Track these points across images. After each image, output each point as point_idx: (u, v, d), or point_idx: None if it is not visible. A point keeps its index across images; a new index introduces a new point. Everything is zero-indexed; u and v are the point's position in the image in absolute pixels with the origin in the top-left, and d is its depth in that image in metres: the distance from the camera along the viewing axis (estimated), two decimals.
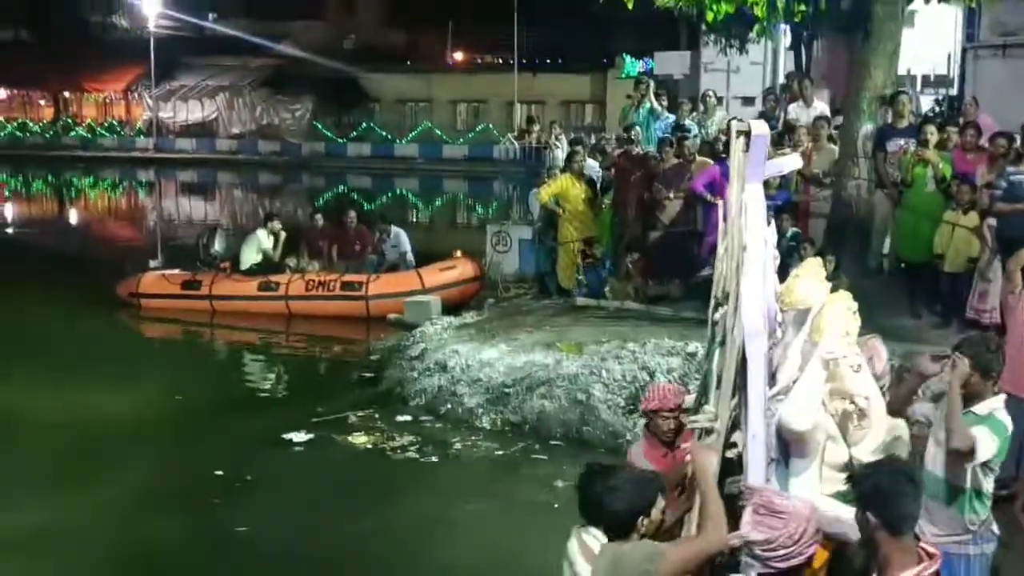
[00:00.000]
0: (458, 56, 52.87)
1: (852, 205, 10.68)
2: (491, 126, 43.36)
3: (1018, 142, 9.50)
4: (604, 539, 3.86)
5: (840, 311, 4.36)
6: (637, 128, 12.95)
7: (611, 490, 3.82)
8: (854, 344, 4.33)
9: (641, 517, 3.78)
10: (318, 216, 15.75)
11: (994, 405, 4.69)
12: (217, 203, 36.18)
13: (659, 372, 9.23)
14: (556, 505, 7.56)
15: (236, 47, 48.01)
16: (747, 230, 4.31)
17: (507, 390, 9.60)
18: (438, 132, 45.99)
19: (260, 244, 14.66)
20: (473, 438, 9.32)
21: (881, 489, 3.34)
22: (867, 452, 4.25)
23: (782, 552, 3.53)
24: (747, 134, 4.37)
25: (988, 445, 4.57)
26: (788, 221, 10.33)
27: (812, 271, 4.67)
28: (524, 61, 43.90)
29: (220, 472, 8.61)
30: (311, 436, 9.38)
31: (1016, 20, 19.89)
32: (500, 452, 9.05)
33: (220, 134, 48.98)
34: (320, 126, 47.40)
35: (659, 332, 10.12)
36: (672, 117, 13.67)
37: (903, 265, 10.32)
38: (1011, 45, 19.73)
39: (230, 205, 35.39)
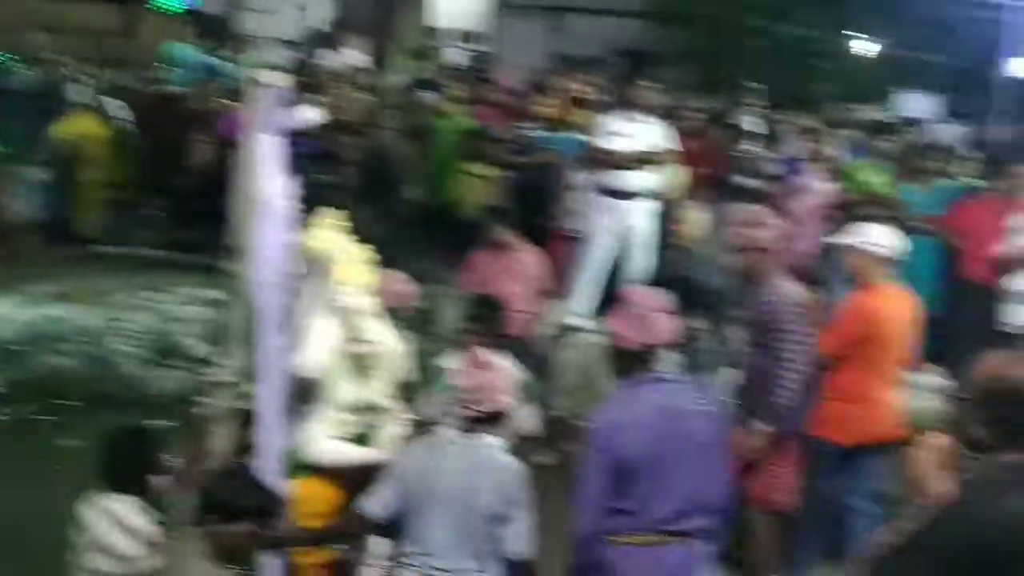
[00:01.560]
0: None
1: (382, 153, 10.98)
2: (2, 55, 39.18)
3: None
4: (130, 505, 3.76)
5: (355, 260, 4.49)
6: (167, 66, 12.36)
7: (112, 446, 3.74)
8: (368, 291, 4.48)
9: (145, 470, 3.72)
10: None
11: None
12: None
13: (187, 322, 8.98)
14: (68, 470, 7.06)
15: None
16: (261, 181, 4.30)
17: (16, 348, 8.81)
18: None
19: None
20: None
21: None
22: (379, 393, 4.46)
23: (484, 397, 3.67)
24: (261, 84, 4.33)
25: None
26: (318, 168, 10.40)
27: (329, 222, 4.76)
28: None
29: None
30: None
31: None
32: (6, 417, 8.29)
33: None
34: None
35: (188, 281, 9.78)
36: (207, 58, 13.18)
37: (428, 211, 10.83)
38: (533, 7, 21.32)
39: None
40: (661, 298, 3.74)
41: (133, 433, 3.99)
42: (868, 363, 5.20)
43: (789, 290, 5.01)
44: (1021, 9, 17.38)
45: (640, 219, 8.05)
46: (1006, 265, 7.11)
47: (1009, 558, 2.62)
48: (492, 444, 3.69)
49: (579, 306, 8.01)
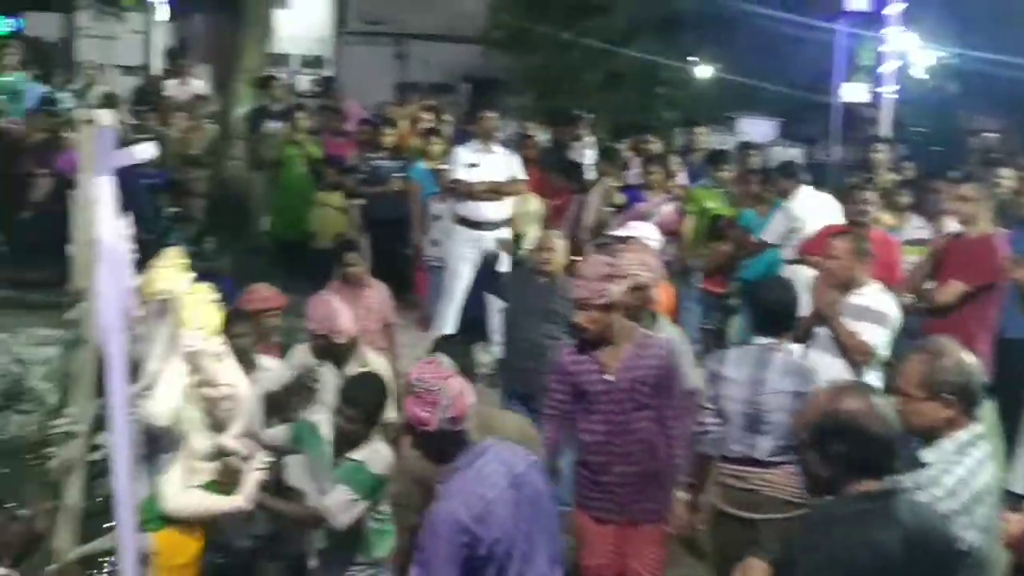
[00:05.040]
0: None
1: (230, 185, 10.84)
2: None
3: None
4: None
5: (200, 302, 4.45)
6: (1, 96, 11.89)
7: None
8: (215, 334, 4.45)
9: None
10: None
11: None
12: None
13: (33, 364, 8.65)
14: None
15: None
16: (98, 223, 4.22)
17: None
18: None
19: None
20: None
21: None
22: (233, 438, 4.43)
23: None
24: (94, 122, 4.26)
25: None
26: (166, 201, 10.23)
27: (172, 261, 4.70)
28: None
29: None
30: None
31: (379, 9, 21.62)
32: None
33: None
34: None
35: (33, 320, 9.41)
36: (43, 87, 12.74)
37: (281, 242, 10.74)
38: (375, 33, 21.36)
39: None
40: (443, 366, 3.43)
41: None
42: None
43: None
44: (853, 35, 18.37)
45: (495, 247, 8.23)
46: None
47: None
48: None
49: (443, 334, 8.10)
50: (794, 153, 14.49)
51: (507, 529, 3.21)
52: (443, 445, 3.29)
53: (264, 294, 5.60)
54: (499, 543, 3.19)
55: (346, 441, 4.16)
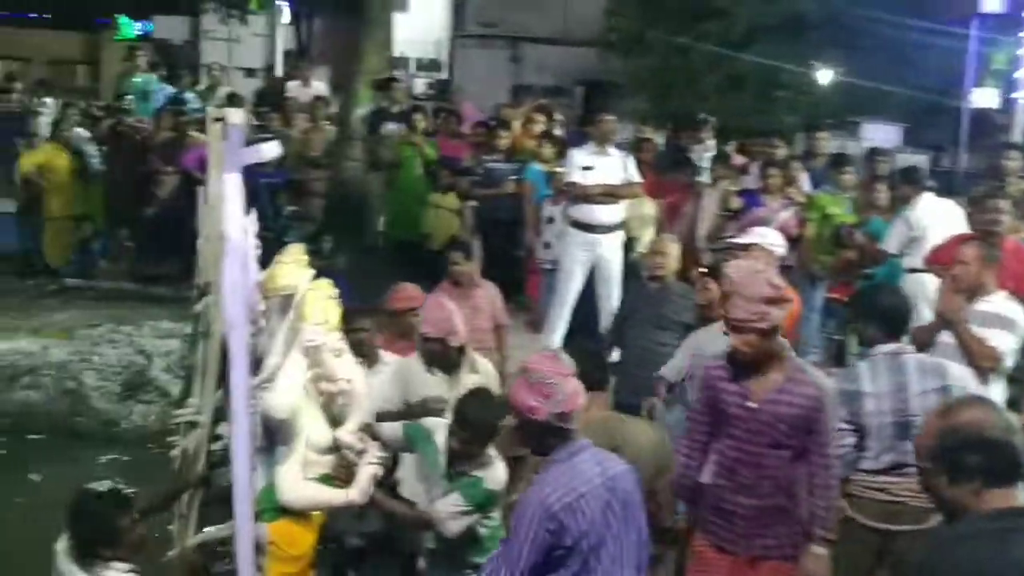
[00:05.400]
0: None
1: (348, 185, 11.02)
2: None
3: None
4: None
5: (321, 298, 4.50)
6: (131, 97, 12.35)
7: (73, 516, 3.69)
8: (335, 330, 4.50)
9: (104, 543, 3.67)
10: None
11: None
12: None
13: (157, 355, 8.96)
14: (35, 504, 7.03)
15: None
16: (226, 219, 4.30)
17: None
18: None
19: None
20: None
21: None
22: (349, 432, 4.47)
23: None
24: (222, 120, 4.35)
25: None
26: (285, 200, 10.47)
27: (294, 258, 4.78)
28: (6, 12, 39.83)
29: None
30: None
31: (495, 13, 21.74)
32: None
33: None
34: None
35: (157, 313, 9.78)
36: (171, 88, 13.19)
37: (396, 243, 10.87)
38: (491, 36, 21.50)
39: None
40: (563, 362, 3.43)
41: (97, 498, 3.82)
42: None
43: None
44: (985, 38, 17.69)
45: (609, 251, 8.16)
46: None
47: None
48: None
49: (553, 337, 8.08)
50: (918, 159, 13.99)
51: (596, 525, 3.25)
52: (545, 437, 3.34)
53: (411, 293, 5.67)
54: (586, 537, 3.23)
55: (460, 456, 4.13)
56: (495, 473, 4.15)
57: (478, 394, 4.28)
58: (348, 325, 4.93)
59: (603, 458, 3.40)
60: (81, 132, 12.17)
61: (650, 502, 3.99)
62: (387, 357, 5.26)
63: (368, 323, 5.23)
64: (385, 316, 5.40)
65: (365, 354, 5.06)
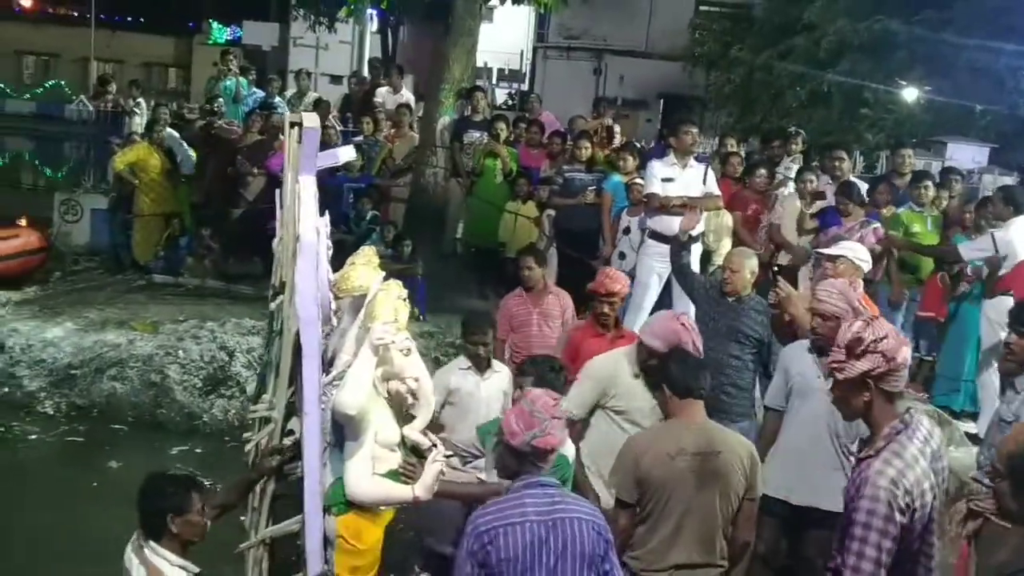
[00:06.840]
0: (26, 3, 48.25)
1: (429, 191, 11.16)
2: (63, 83, 40.14)
3: (569, 140, 10.44)
4: (166, 556, 3.79)
5: (391, 298, 4.57)
6: (221, 100, 12.66)
7: (142, 492, 3.80)
8: (403, 329, 4.56)
9: (171, 516, 3.77)
10: None
11: None
12: None
13: (239, 351, 9.17)
14: (111, 492, 7.23)
15: None
16: (300, 220, 4.40)
17: (74, 372, 9.04)
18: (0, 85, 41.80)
19: None
20: (33, 424, 8.68)
21: None
22: (417, 430, 4.54)
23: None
24: (300, 125, 4.43)
25: None
26: (368, 204, 10.65)
27: (366, 259, 4.87)
28: (103, 16, 41.02)
29: None
30: None
31: (579, 24, 21.81)
32: (64, 438, 8.51)
33: None
34: None
35: (239, 311, 10.01)
36: (260, 93, 13.49)
37: (473, 249, 10.97)
38: (574, 48, 21.55)
39: None
40: (559, 407, 3.57)
41: (164, 480, 3.92)
42: None
43: None
44: None
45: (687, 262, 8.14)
46: None
47: None
48: None
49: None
50: (1005, 181, 13.68)
51: (524, 557, 3.34)
52: (512, 462, 3.50)
53: (603, 277, 6.03)
54: (509, 564, 3.34)
55: None
56: (571, 450, 4.32)
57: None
58: (471, 335, 5.51)
59: (561, 500, 3.46)
60: (173, 133, 12.52)
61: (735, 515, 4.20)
62: (497, 365, 5.63)
63: (487, 331, 5.59)
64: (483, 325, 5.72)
65: (478, 364, 5.54)
